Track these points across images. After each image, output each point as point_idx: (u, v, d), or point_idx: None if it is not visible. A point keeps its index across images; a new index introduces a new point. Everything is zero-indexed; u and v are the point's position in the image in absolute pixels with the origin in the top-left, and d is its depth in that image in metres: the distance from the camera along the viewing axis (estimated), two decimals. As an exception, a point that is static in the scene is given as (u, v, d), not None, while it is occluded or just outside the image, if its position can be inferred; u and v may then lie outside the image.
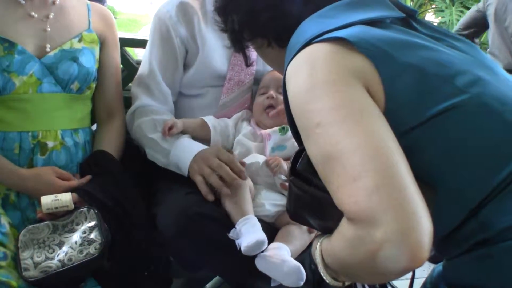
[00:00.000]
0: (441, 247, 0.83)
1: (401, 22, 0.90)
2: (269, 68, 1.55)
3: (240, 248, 1.19)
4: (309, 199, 0.84)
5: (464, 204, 0.76)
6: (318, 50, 0.81)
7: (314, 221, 0.89)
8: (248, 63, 1.16)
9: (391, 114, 0.75)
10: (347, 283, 0.88)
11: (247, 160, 1.39)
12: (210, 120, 1.47)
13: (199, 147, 1.39)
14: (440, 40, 0.87)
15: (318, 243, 0.84)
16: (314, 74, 0.78)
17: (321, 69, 0.78)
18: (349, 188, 0.68)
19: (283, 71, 0.88)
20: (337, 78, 0.76)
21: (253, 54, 1.46)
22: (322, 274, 0.84)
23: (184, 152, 1.37)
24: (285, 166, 1.36)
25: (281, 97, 1.41)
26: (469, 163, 0.75)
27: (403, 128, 0.75)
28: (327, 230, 0.82)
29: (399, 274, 0.66)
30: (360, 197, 0.66)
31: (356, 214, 0.66)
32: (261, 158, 1.39)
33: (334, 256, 0.78)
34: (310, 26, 0.86)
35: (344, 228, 0.71)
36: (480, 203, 0.75)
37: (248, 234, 1.19)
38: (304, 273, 1.15)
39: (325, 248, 0.81)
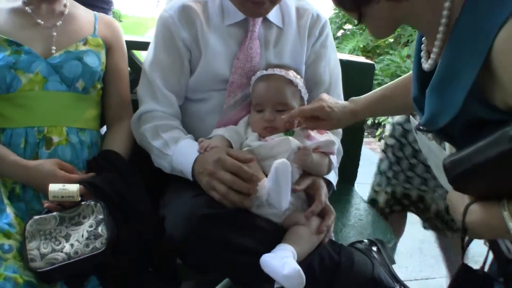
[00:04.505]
0: None
1: None
2: None
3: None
4: None
5: None
6: None
7: (490, 187, 0.85)
8: (361, 20, 1.04)
9: None
10: None
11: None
12: (225, 133, 1.43)
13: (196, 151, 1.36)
14: None
15: (504, 209, 0.81)
16: None
17: None
18: None
19: (391, 30, 0.91)
20: None
21: (256, 56, 1.48)
22: None
23: (184, 160, 1.36)
24: (311, 160, 1.33)
25: (278, 116, 1.38)
26: None
27: None
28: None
29: None
30: None
31: None
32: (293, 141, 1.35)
33: None
34: None
35: None
36: None
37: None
38: (304, 277, 1.13)
39: None
